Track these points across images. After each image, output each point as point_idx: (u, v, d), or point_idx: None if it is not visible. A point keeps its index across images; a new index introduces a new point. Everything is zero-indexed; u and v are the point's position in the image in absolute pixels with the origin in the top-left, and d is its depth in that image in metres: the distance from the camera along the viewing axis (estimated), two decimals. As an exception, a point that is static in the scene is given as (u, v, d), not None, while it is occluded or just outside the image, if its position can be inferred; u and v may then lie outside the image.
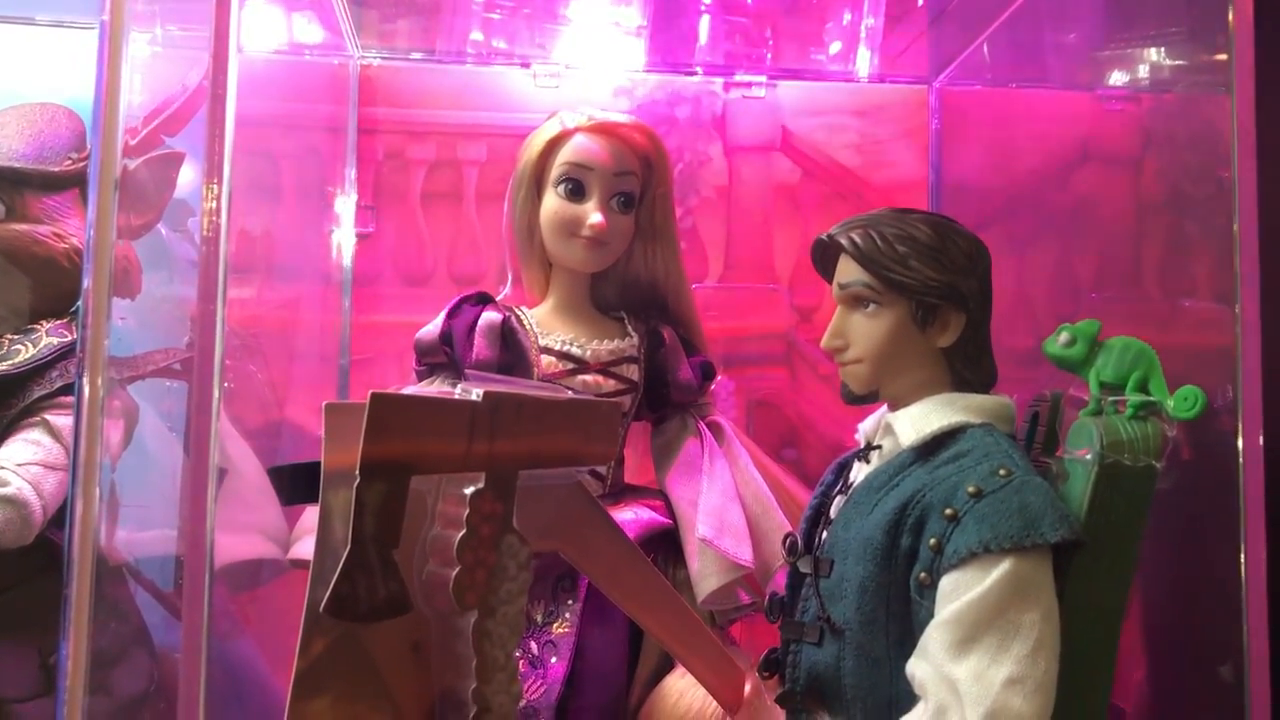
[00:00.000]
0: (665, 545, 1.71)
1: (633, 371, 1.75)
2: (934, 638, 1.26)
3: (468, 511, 1.25)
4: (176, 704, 1.32)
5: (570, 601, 1.63)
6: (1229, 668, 1.31)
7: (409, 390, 1.64)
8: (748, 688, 1.50)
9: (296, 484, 1.33)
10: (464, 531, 1.25)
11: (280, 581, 1.73)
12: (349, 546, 1.18)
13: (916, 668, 1.28)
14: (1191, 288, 1.68)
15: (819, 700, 1.35)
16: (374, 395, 1.17)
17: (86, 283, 1.34)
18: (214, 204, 1.34)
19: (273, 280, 1.98)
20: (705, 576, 1.64)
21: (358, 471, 1.17)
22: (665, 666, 1.65)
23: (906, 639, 1.31)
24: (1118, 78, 2.04)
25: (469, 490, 1.26)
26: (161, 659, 1.70)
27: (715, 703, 1.54)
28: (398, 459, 1.19)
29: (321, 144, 2.17)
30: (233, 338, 1.54)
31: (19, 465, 1.49)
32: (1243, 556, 1.28)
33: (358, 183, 2.20)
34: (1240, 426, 1.29)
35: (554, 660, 1.58)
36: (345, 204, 2.19)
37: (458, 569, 1.25)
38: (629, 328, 1.78)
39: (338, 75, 2.20)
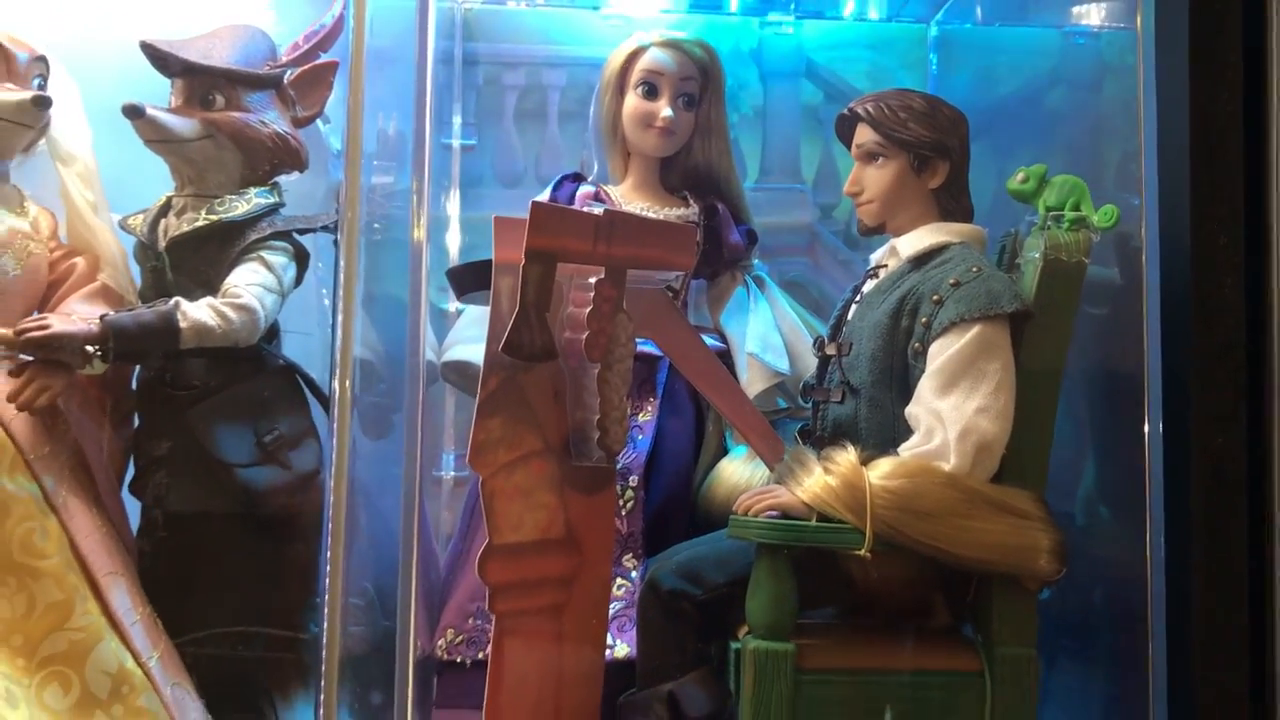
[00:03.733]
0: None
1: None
2: (924, 385, 1.78)
3: (593, 294, 1.76)
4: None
5: (651, 398, 2.14)
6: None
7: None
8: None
9: (468, 278, 1.85)
10: (591, 308, 1.76)
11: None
12: (517, 309, 1.69)
13: (911, 408, 1.79)
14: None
15: (840, 441, 1.85)
16: (535, 203, 1.69)
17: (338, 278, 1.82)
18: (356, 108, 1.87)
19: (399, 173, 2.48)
20: (752, 383, 2.14)
21: (523, 258, 1.69)
22: (720, 454, 2.16)
23: (905, 393, 1.82)
24: (1080, 17, 2.53)
25: (592, 280, 1.77)
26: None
27: (758, 478, 2.04)
28: (549, 249, 1.70)
29: (436, 72, 2.67)
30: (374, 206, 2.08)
31: (248, 285, 2.00)
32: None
33: (462, 104, 2.71)
34: (1143, 234, 1.82)
35: (641, 438, 2.09)
36: (454, 121, 2.70)
37: (586, 334, 1.76)
38: (690, 202, 2.29)
39: (446, 17, 2.71)
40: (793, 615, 1.72)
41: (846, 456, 1.73)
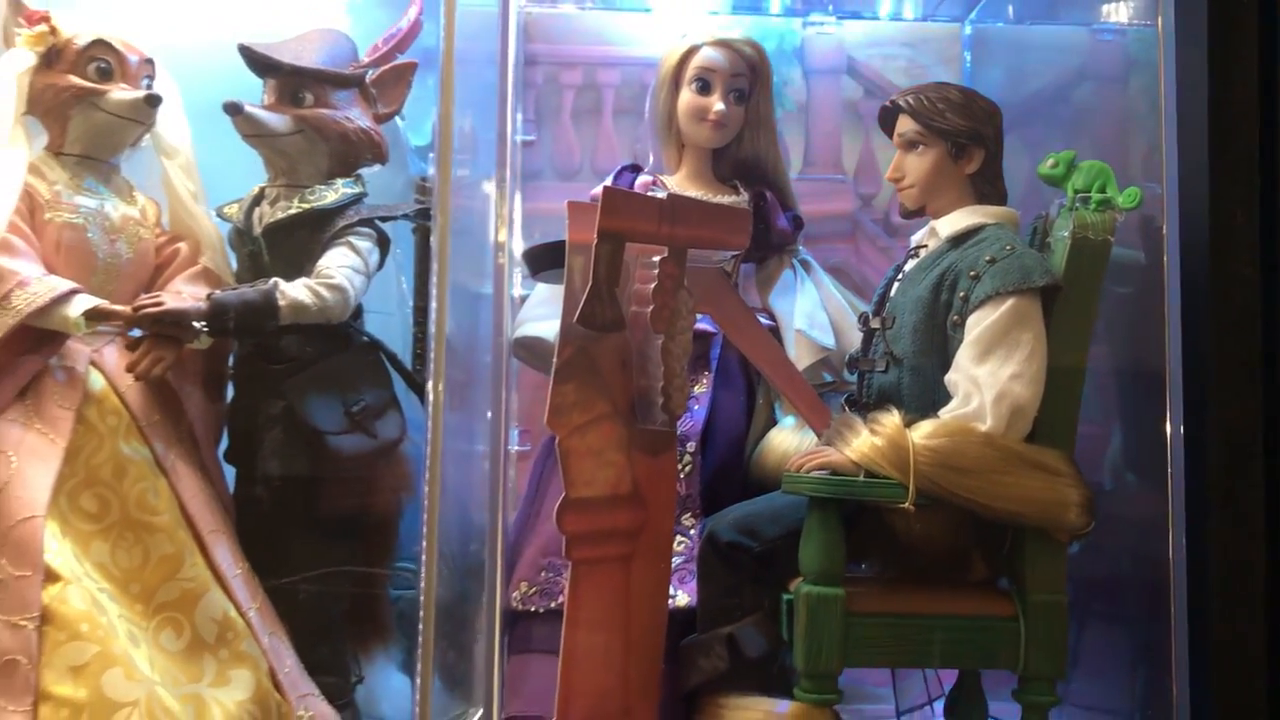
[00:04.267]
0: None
1: (744, 221, 2.42)
2: (962, 354, 1.94)
3: (657, 272, 1.93)
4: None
5: (706, 372, 2.31)
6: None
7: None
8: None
9: (543, 258, 2.02)
10: (655, 285, 1.93)
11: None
12: (589, 285, 1.86)
13: (950, 375, 1.95)
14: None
15: (885, 407, 2.01)
16: (607, 188, 1.87)
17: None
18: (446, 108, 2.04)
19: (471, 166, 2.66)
20: (799, 358, 2.30)
21: (595, 238, 1.86)
22: (769, 425, 2.32)
23: (944, 362, 1.98)
24: (1107, 15, 2.67)
25: (656, 259, 1.94)
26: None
27: (805, 445, 2.20)
28: (619, 230, 1.87)
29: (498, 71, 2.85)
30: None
31: (339, 267, 2.19)
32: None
33: (522, 102, 2.88)
34: (1164, 215, 1.97)
35: (697, 408, 2.26)
36: (514, 118, 2.87)
37: (651, 308, 1.93)
38: (740, 190, 2.45)
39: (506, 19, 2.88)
40: (842, 564, 1.88)
41: (891, 419, 1.89)
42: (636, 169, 2.45)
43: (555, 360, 1.89)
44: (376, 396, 2.29)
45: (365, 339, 2.31)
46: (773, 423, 2.32)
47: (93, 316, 2.03)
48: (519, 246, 2.83)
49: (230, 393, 2.32)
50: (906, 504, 1.84)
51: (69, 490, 1.99)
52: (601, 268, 1.86)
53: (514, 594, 2.19)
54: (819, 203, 2.86)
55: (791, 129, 2.90)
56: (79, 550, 1.96)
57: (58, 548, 1.91)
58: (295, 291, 2.14)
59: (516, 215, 2.86)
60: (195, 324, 2.10)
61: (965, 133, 2.03)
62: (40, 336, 2.02)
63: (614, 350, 1.94)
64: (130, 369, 2.08)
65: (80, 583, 1.91)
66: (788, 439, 2.25)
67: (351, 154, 2.32)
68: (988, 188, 2.07)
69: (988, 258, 1.95)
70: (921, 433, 1.87)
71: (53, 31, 2.13)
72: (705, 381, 2.30)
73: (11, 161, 2.04)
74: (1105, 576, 2.33)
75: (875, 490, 1.86)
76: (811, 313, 2.34)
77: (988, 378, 1.89)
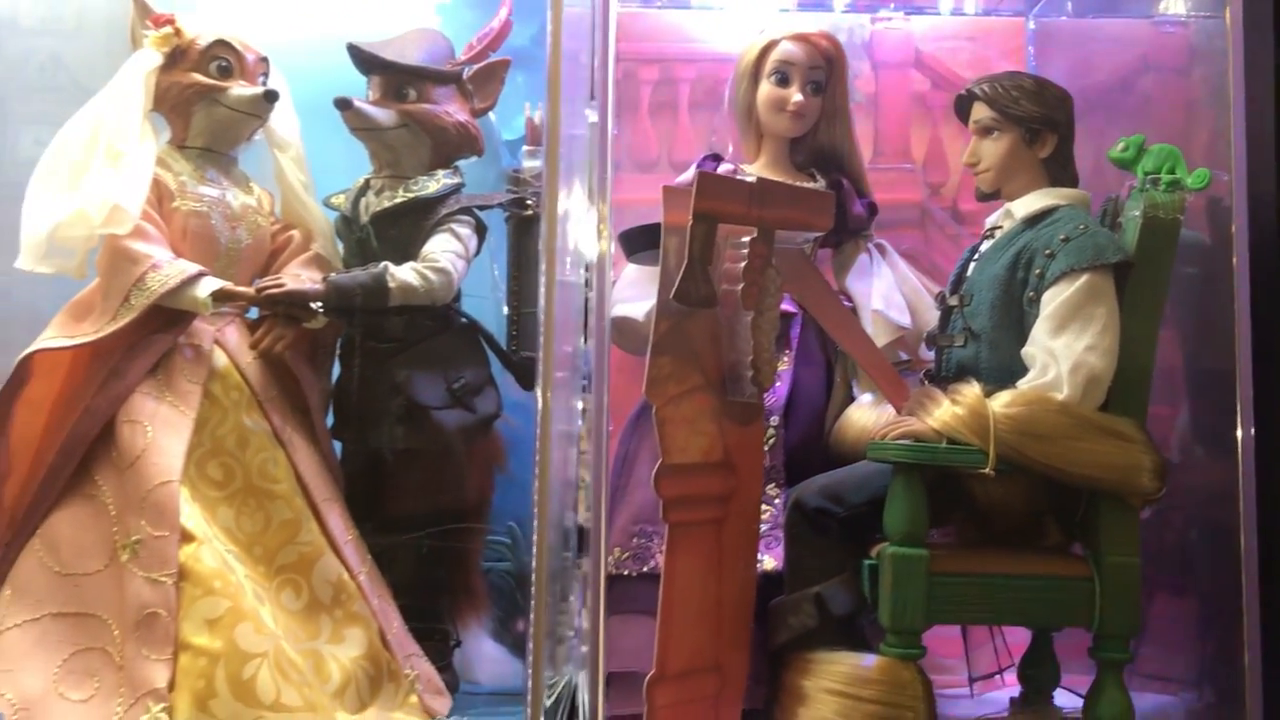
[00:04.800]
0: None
1: (821, 207, 2.53)
2: (1038, 328, 2.04)
3: (746, 252, 2.05)
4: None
5: (787, 350, 2.42)
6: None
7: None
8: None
9: (638, 240, 2.15)
10: (745, 264, 2.05)
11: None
12: (685, 264, 1.98)
13: (1027, 348, 2.05)
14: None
15: (963, 381, 2.11)
16: (702, 173, 1.99)
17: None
18: (553, 106, 2.15)
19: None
20: (877, 337, 2.41)
21: (690, 218, 1.98)
22: (847, 402, 2.43)
23: (1021, 336, 2.08)
24: (1168, 7, 2.75)
25: (746, 240, 2.06)
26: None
27: (883, 420, 2.30)
28: (712, 211, 1.99)
29: (572, 70, 2.98)
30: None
31: (443, 251, 2.32)
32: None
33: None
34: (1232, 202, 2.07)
35: (779, 384, 2.37)
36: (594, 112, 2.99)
37: (741, 286, 2.05)
38: (817, 177, 2.57)
39: (580, 20, 3.01)
40: (925, 527, 1.99)
41: (971, 389, 2.00)
42: (718, 159, 2.57)
43: (652, 335, 2.01)
44: (475, 374, 2.43)
45: (464, 320, 2.45)
46: (851, 399, 2.42)
47: (219, 297, 2.18)
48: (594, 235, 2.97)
49: (336, 372, 2.47)
50: (987, 469, 1.94)
51: (197, 459, 2.14)
52: (696, 247, 1.97)
53: (608, 559, 2.31)
54: (888, 191, 2.96)
55: (861, 120, 2.99)
56: (207, 515, 2.11)
57: (190, 511, 2.06)
58: (404, 274, 2.28)
59: (595, 206, 3.00)
60: (312, 305, 2.25)
61: (1039, 119, 2.14)
62: (170, 316, 2.17)
63: (706, 326, 2.06)
64: (254, 346, 2.23)
65: (211, 543, 2.05)
66: (866, 414, 2.35)
67: (450, 146, 2.45)
68: (1060, 171, 2.17)
69: (1062, 236, 2.05)
70: (1001, 402, 1.97)
71: (177, 33, 2.28)
72: (786, 359, 2.41)
73: (142, 154, 2.19)
74: (1174, 548, 2.41)
75: (957, 456, 1.96)
76: (888, 294, 2.45)
77: (1063, 350, 1.99)
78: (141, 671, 1.94)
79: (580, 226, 2.36)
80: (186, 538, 2.03)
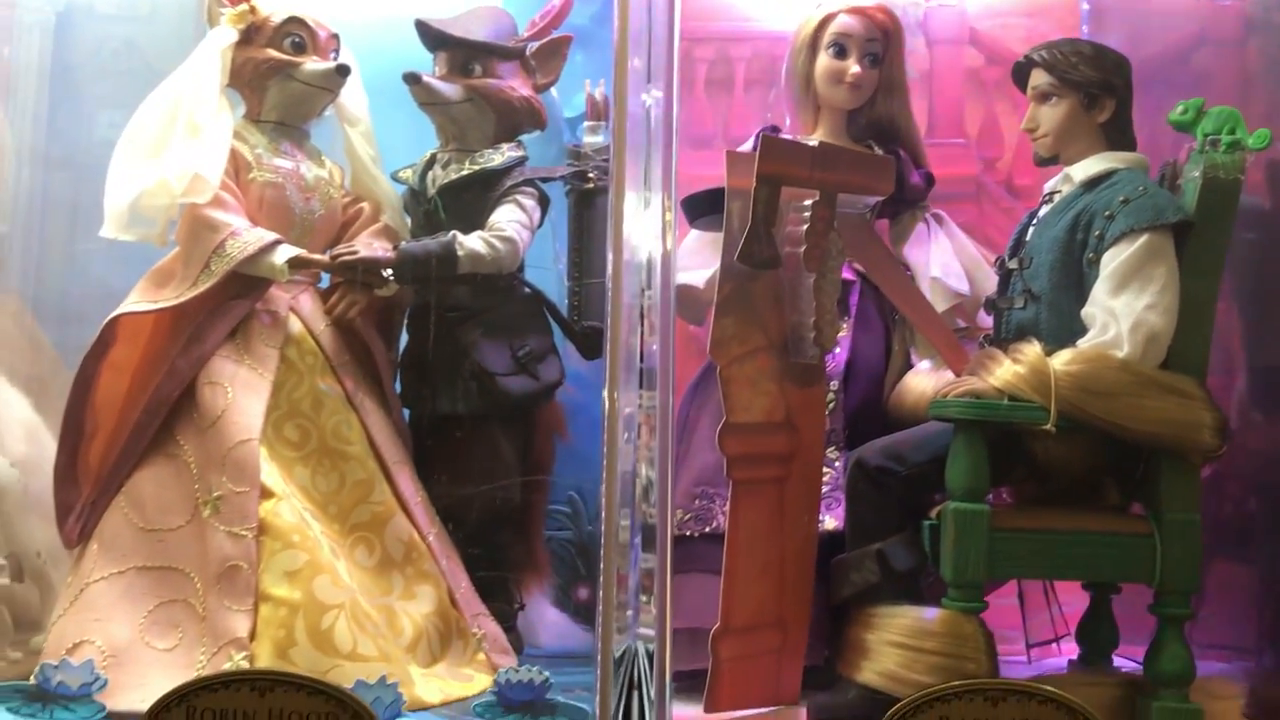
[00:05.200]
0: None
1: (879, 178, 2.57)
2: (1098, 288, 2.06)
3: (808, 215, 2.09)
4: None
5: (846, 317, 2.46)
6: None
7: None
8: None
9: (701, 205, 2.19)
10: (807, 226, 2.09)
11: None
12: (749, 226, 2.03)
13: (1087, 309, 2.07)
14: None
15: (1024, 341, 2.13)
16: (765, 136, 2.03)
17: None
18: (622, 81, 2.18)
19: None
20: (934, 303, 2.43)
21: (754, 181, 2.02)
22: (906, 368, 2.46)
23: (1080, 298, 2.10)
24: (1227, -21, 2.75)
25: (807, 203, 2.10)
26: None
27: (941, 385, 2.33)
28: (776, 174, 2.03)
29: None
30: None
31: (509, 221, 2.38)
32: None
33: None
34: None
35: (838, 350, 2.41)
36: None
37: (803, 247, 2.09)
38: (875, 149, 2.60)
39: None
40: (986, 483, 2.02)
41: (1031, 348, 2.02)
42: (776, 130, 2.61)
43: (716, 296, 2.06)
44: (539, 343, 2.48)
45: (528, 290, 2.50)
46: (909, 366, 2.45)
47: (295, 264, 2.25)
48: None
49: (404, 341, 2.54)
50: (1048, 425, 1.96)
51: (274, 421, 2.21)
52: (760, 208, 2.02)
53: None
54: (943, 167, 2.97)
55: (915, 97, 2.99)
56: (285, 474, 2.18)
57: (268, 469, 2.14)
58: (472, 243, 2.34)
59: (651, 180, 3.05)
60: (383, 272, 2.31)
61: (1097, 83, 2.16)
62: (248, 283, 2.25)
63: (769, 288, 2.10)
64: (328, 312, 2.30)
65: (290, 499, 2.12)
66: (924, 380, 2.38)
67: (515, 121, 2.51)
68: (1118, 136, 2.19)
69: (1121, 198, 2.07)
70: (1061, 359, 1.99)
71: (252, 10, 2.36)
72: (845, 326, 2.45)
73: (219, 127, 2.27)
74: (1232, 517, 2.42)
75: (1018, 413, 1.99)
76: (945, 262, 2.48)
77: (1123, 308, 2.01)
78: (224, 622, 2.01)
79: (636, 210, 2.37)
80: (266, 494, 2.10)
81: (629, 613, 2.37)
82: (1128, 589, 2.26)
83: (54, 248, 2.80)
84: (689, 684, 2.09)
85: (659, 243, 2.04)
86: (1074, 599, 2.46)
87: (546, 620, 2.65)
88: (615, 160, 2.12)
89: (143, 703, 1.71)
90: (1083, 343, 2.04)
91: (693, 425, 2.45)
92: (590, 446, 2.50)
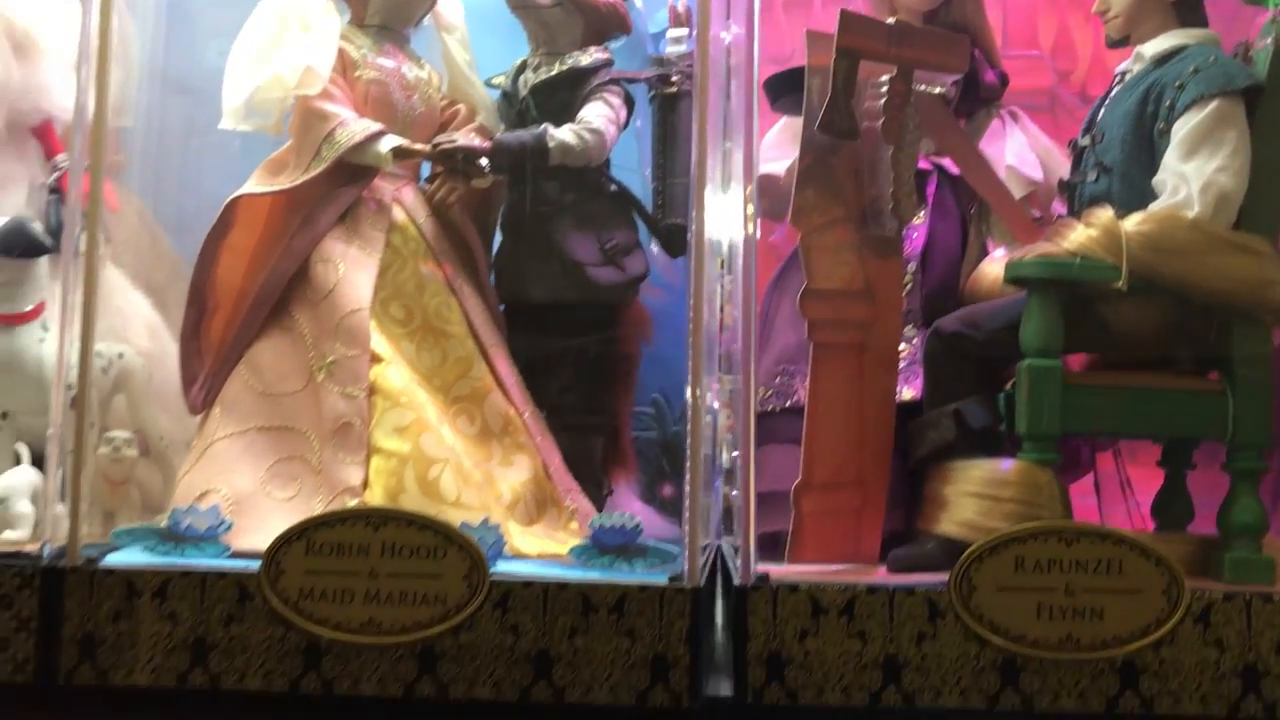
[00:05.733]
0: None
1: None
2: (1169, 155, 2.13)
3: (886, 89, 2.18)
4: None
5: (923, 205, 2.54)
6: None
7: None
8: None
9: (781, 86, 2.30)
10: (885, 100, 2.18)
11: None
12: (828, 97, 2.13)
13: (1158, 176, 2.14)
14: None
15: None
16: (844, 11, 2.13)
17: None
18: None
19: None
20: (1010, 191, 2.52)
21: (834, 54, 2.12)
22: (982, 256, 2.54)
23: (1152, 168, 2.17)
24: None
25: (885, 78, 2.19)
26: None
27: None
28: (855, 48, 2.13)
29: None
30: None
31: (597, 115, 2.51)
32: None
33: None
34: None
35: (915, 235, 2.50)
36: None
37: (882, 120, 2.18)
38: (950, 47, 2.68)
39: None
40: (1060, 341, 2.08)
41: (1104, 212, 2.09)
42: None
43: (797, 167, 2.17)
44: (625, 237, 2.60)
45: (615, 188, 2.62)
46: (985, 254, 2.53)
47: (398, 153, 2.40)
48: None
49: (498, 239, 2.68)
50: (1120, 284, 2.03)
51: (381, 300, 2.36)
52: (839, 80, 2.12)
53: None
54: (1017, 79, 3.02)
55: (989, 8, 3.09)
56: (393, 346, 2.32)
57: (377, 338, 2.29)
58: (562, 134, 2.47)
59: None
60: (480, 162, 2.45)
61: (1168, -39, 2.22)
62: (355, 171, 2.40)
63: (848, 162, 2.21)
64: (429, 198, 2.45)
65: (398, 364, 2.27)
66: (999, 267, 2.45)
67: (601, 25, 2.63)
68: (1189, 13, 2.25)
69: (1192, 69, 2.14)
70: (1133, 221, 2.06)
71: (356, -78, 2.52)
72: (922, 214, 2.54)
73: (328, 27, 2.43)
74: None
75: (1091, 272, 2.06)
76: (1020, 152, 2.55)
77: (1194, 172, 2.08)
78: (338, 473, 2.17)
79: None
80: (375, 359, 2.26)
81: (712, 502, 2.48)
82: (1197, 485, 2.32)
83: (169, 165, 2.99)
84: (770, 546, 2.20)
85: (740, 228, 2.08)
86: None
87: (632, 512, 2.76)
88: (699, 54, 2.19)
89: (264, 544, 1.86)
90: (1154, 206, 2.11)
91: (774, 310, 2.55)
92: (672, 353, 2.62)
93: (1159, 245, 2.04)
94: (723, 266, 2.27)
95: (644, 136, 2.80)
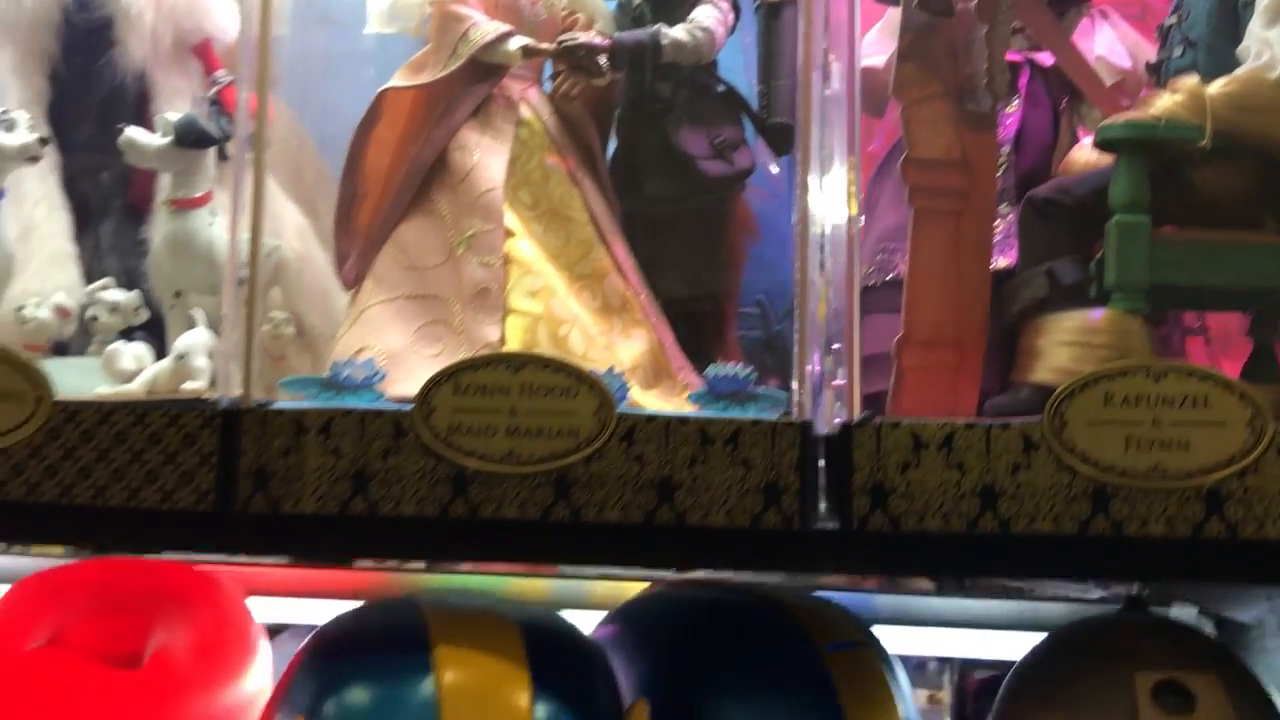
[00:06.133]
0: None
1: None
2: (1253, 23, 2.24)
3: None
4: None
5: (1015, 97, 2.69)
6: None
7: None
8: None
9: None
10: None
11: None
12: (925, -23, 2.30)
13: (1243, 44, 2.26)
14: None
15: (1181, 85, 2.33)
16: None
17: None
18: None
19: None
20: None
21: (929, -61, 2.29)
22: (1071, 144, 2.68)
23: (1237, 38, 2.28)
24: None
25: None
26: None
27: (1106, 159, 2.53)
28: (949, -67, 2.29)
29: None
30: None
31: (708, 16, 2.71)
32: None
33: None
34: None
35: (1009, 121, 2.65)
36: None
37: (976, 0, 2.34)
38: (1040, -47, 2.82)
39: None
40: (1147, 199, 2.20)
41: (1189, 78, 2.22)
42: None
43: (898, 45, 2.33)
44: (732, 133, 2.79)
45: (723, 87, 2.82)
46: (1076, 142, 2.67)
47: (526, 51, 2.62)
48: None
49: (613, 144, 2.89)
50: (1204, 142, 2.16)
51: (511, 186, 2.59)
52: (934, -25, 2.29)
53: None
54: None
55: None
56: (523, 225, 2.55)
57: (510, 216, 2.52)
58: (675, 32, 2.67)
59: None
60: (599, 59, 2.66)
61: None
62: (487, 69, 2.63)
63: (945, 40, 2.37)
64: (553, 94, 2.67)
65: (529, 239, 2.50)
66: (1090, 153, 2.59)
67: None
68: (1272, -101, 2.36)
69: (1273, -57, 2.26)
70: (1217, 84, 2.19)
71: None
72: (1015, 104, 2.69)
73: (459, -57, 2.66)
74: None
75: (1175, 131, 2.19)
76: (1110, 44, 2.69)
77: (1278, 36, 2.20)
78: (478, 331, 2.40)
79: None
80: (508, 233, 2.48)
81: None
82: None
83: (312, 90, 3.25)
84: (872, 406, 2.36)
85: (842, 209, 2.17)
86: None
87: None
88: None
89: (413, 392, 2.07)
90: (1239, 71, 2.23)
91: (876, 196, 2.72)
92: (774, 254, 2.80)
93: (1242, 104, 2.16)
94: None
95: (750, 50, 2.99)
